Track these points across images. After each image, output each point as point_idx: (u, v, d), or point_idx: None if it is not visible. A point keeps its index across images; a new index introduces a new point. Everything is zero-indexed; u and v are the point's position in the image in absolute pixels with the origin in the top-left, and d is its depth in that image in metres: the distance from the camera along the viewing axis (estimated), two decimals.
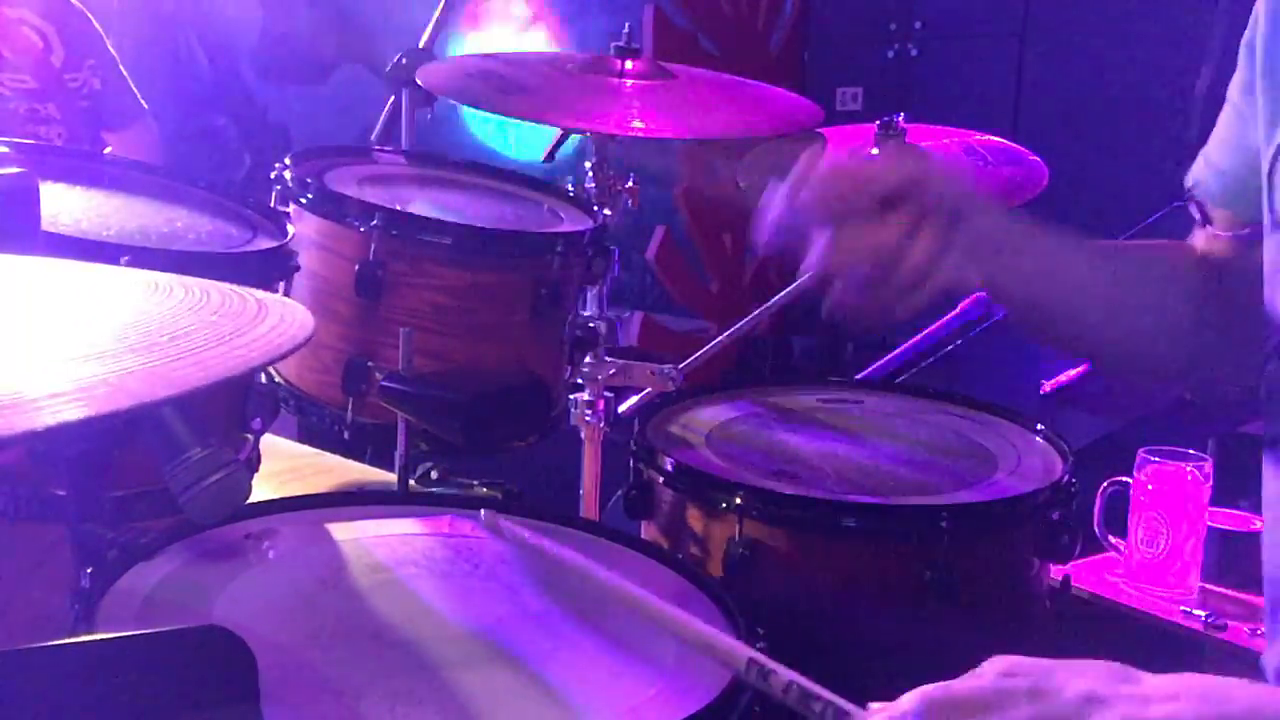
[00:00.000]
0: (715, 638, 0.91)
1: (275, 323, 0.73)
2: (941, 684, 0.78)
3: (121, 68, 3.01)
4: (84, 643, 0.72)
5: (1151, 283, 1.21)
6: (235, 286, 0.81)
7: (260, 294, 0.80)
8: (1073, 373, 2.60)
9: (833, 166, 1.08)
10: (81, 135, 2.86)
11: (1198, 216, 1.23)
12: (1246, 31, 1.14)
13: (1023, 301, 1.17)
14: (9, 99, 2.76)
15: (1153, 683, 0.78)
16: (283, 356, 0.71)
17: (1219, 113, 1.20)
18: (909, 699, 0.77)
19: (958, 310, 3.10)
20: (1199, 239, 1.25)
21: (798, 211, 1.07)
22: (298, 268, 1.52)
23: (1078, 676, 0.78)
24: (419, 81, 1.92)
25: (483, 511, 1.10)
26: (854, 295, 1.06)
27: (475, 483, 2.34)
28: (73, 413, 0.56)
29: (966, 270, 1.08)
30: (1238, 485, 2.14)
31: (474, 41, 4.31)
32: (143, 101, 3.04)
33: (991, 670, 0.79)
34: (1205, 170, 1.19)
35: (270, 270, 1.47)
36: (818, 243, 1.07)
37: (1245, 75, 1.14)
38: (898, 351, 3.06)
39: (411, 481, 1.82)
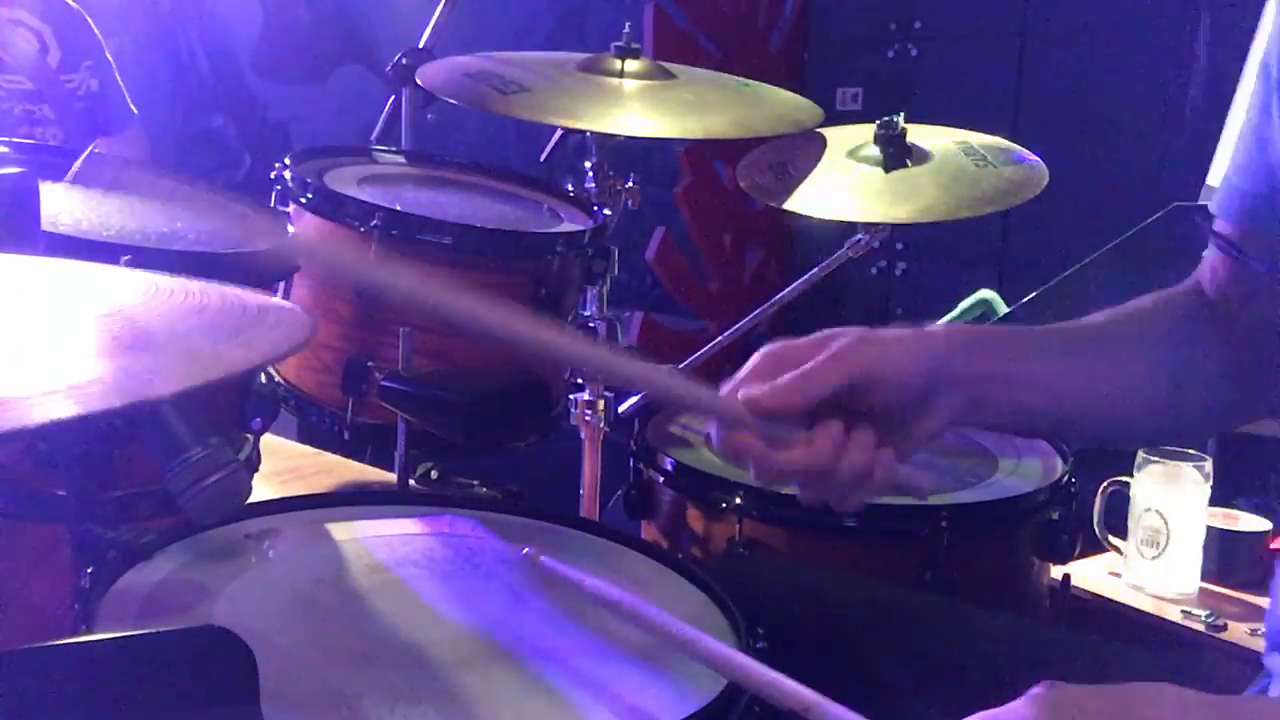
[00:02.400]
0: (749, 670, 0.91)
1: (274, 325, 0.73)
2: (992, 712, 0.75)
3: (117, 74, 3.00)
4: (84, 643, 0.72)
5: (1152, 354, 1.14)
6: (236, 289, 0.81)
7: (261, 296, 0.80)
8: None
9: (758, 383, 1.00)
10: (78, 137, 2.85)
11: (1216, 248, 1.16)
12: (1256, 51, 1.11)
13: (1043, 419, 1.12)
14: (3, 100, 2.76)
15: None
16: (281, 359, 0.71)
17: (1214, 114, 1.19)
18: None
19: (958, 310, 3.10)
20: (1207, 275, 1.19)
21: (730, 425, 1.01)
22: (298, 268, 1.52)
23: (1151, 709, 0.75)
24: (419, 81, 1.92)
25: (525, 550, 1.10)
26: (809, 492, 1.02)
27: (475, 483, 2.34)
28: (67, 410, 0.56)
29: (915, 478, 1.06)
30: (1238, 485, 2.14)
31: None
32: (133, 108, 3.04)
33: (1044, 695, 0.76)
34: (1233, 195, 1.14)
35: (270, 270, 1.47)
36: (734, 442, 1.00)
37: (1263, 97, 1.10)
38: None
39: (411, 481, 1.82)
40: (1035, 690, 0.76)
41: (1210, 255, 1.17)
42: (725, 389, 1.01)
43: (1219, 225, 1.15)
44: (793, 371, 0.99)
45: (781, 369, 1.00)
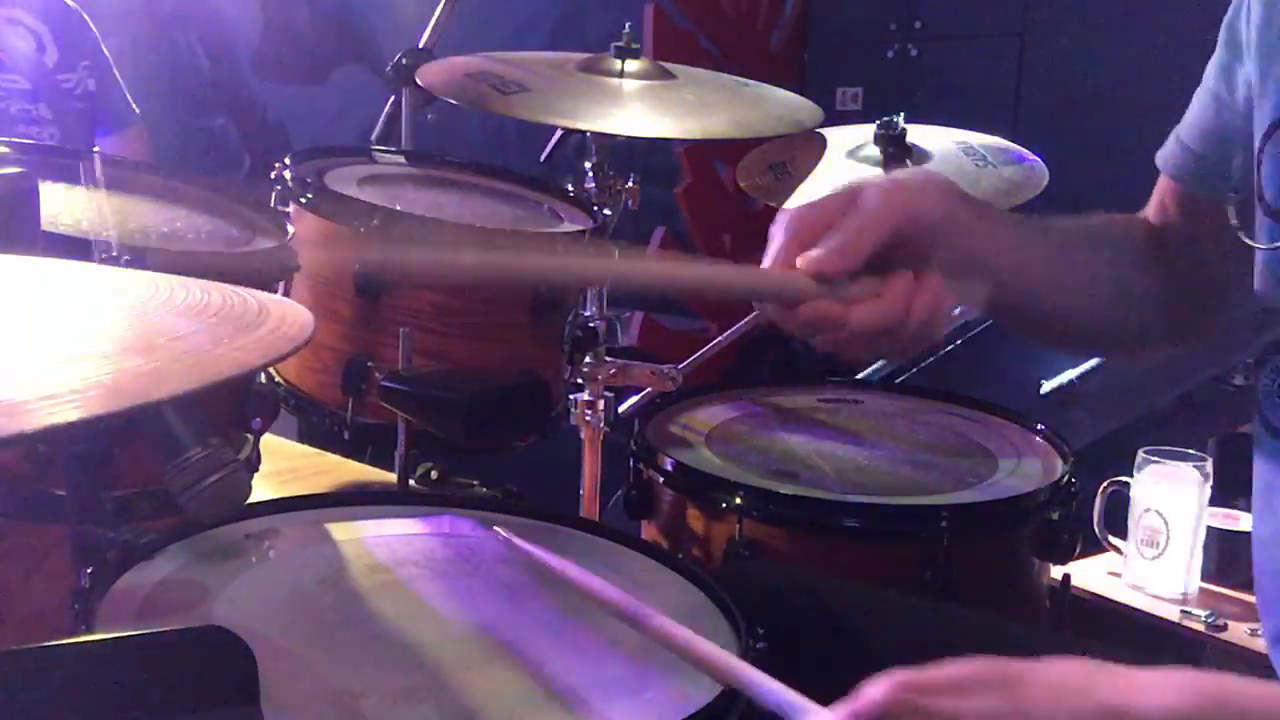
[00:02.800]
0: (711, 655, 0.91)
1: (274, 325, 0.73)
2: (912, 670, 0.78)
3: (116, 72, 3.00)
4: (84, 643, 0.72)
5: (1104, 254, 1.20)
6: (235, 287, 0.81)
7: (261, 295, 0.80)
8: (1073, 373, 2.60)
9: (802, 250, 0.99)
10: (76, 136, 2.85)
11: (1161, 194, 1.24)
12: (1229, 14, 1.13)
13: (1014, 296, 1.14)
14: (0, 99, 2.76)
15: (1136, 676, 0.78)
16: (281, 359, 0.71)
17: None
18: (880, 683, 0.77)
19: (957, 310, 3.10)
20: (1152, 210, 1.25)
21: (793, 300, 1.00)
22: (298, 268, 1.52)
23: (1052, 669, 0.78)
24: (419, 81, 1.92)
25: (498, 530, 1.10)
26: (859, 349, 1.03)
27: (475, 483, 2.34)
28: (67, 414, 0.56)
29: (968, 296, 1.07)
30: (1238, 485, 2.14)
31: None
32: (135, 106, 3.03)
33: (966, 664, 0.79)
34: (1179, 152, 1.19)
35: (270, 270, 1.47)
36: (816, 310, 0.99)
37: (1223, 58, 1.14)
38: None
39: (411, 481, 1.82)
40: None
41: (1160, 190, 1.24)
42: (769, 262, 1.01)
43: (1166, 173, 1.22)
44: (839, 232, 0.99)
45: (819, 231, 0.99)
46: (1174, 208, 1.22)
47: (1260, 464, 1.11)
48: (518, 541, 1.10)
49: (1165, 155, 1.22)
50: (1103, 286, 1.18)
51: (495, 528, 1.14)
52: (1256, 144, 1.05)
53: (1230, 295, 1.21)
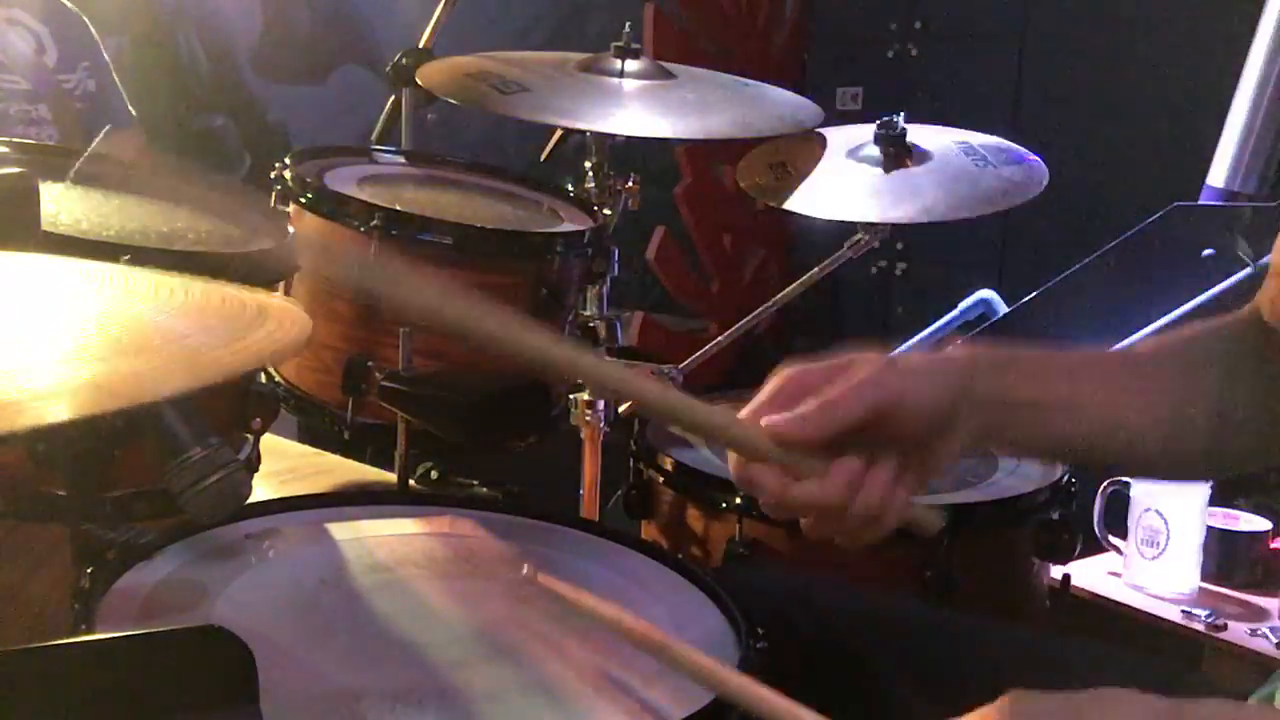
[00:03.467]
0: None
1: (272, 326, 0.73)
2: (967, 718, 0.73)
3: (114, 75, 3.00)
4: (84, 643, 0.72)
5: (1200, 378, 1.07)
6: (235, 288, 0.81)
7: (261, 296, 0.80)
8: None
9: (778, 410, 0.96)
10: (76, 137, 2.85)
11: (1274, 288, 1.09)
12: (1257, 49, 1.07)
13: (1070, 446, 1.05)
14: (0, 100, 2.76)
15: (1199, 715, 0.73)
16: (282, 359, 0.71)
17: (1215, 114, 1.17)
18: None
19: (958, 310, 3.11)
20: (1265, 304, 1.11)
21: (749, 453, 0.97)
22: (298, 267, 1.52)
23: (1108, 712, 0.73)
24: (419, 81, 1.92)
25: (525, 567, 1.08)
26: (804, 523, 0.99)
27: (475, 483, 2.34)
28: (67, 412, 0.56)
29: (927, 514, 1.03)
30: (1238, 485, 2.14)
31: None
32: (131, 109, 3.03)
33: (1016, 707, 0.74)
34: None
35: (270, 270, 1.46)
36: (752, 473, 0.97)
37: None
38: (897, 352, 3.06)
39: (411, 481, 1.82)
40: (1005, 699, 0.74)
41: (1273, 279, 1.10)
42: (744, 413, 0.97)
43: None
44: (814, 400, 0.95)
45: (801, 395, 0.96)
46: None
47: None
48: (552, 583, 1.07)
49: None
50: (1193, 417, 1.05)
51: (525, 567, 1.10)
52: None
53: None
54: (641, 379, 0.99)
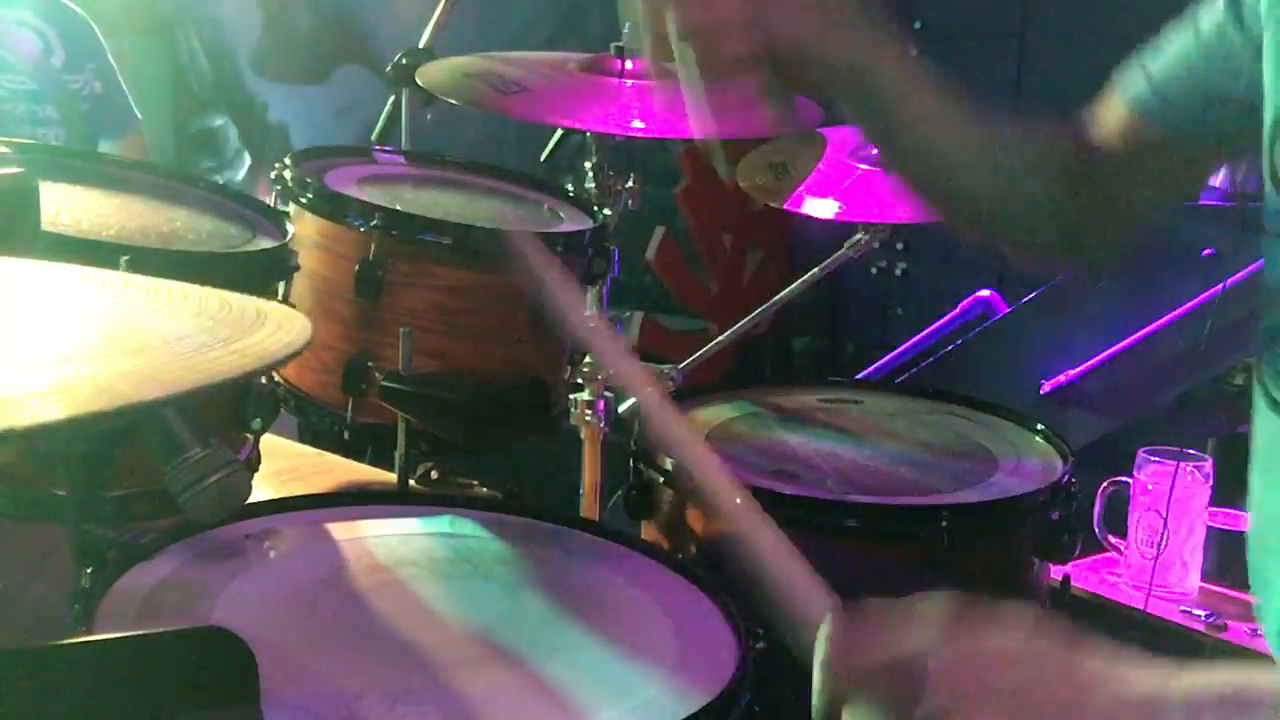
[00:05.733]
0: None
1: (274, 328, 0.73)
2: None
3: (119, 76, 3.00)
4: (84, 643, 0.72)
5: (1032, 149, 1.19)
6: (235, 292, 0.81)
7: (259, 300, 0.80)
8: (1073, 372, 2.60)
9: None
10: (82, 138, 2.86)
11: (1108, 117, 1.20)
12: None
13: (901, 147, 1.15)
14: (6, 100, 2.76)
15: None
16: (280, 363, 0.71)
17: None
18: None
19: (958, 310, 3.11)
20: (1094, 125, 1.22)
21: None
22: (297, 268, 1.52)
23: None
24: (419, 81, 1.92)
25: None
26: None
27: (475, 483, 2.34)
28: (66, 412, 0.56)
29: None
30: (1238, 485, 2.14)
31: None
32: (136, 111, 3.04)
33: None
34: (1146, 89, 1.16)
35: (270, 270, 1.47)
36: None
37: (1221, 17, 1.10)
38: (898, 351, 3.06)
39: (411, 481, 1.82)
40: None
41: (1109, 113, 1.20)
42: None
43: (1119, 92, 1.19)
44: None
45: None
46: (1119, 135, 1.18)
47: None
48: None
49: (1129, 86, 1.18)
50: (993, 160, 1.17)
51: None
52: (1268, 125, 1.03)
53: (1140, 238, 1.19)
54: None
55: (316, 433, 2.15)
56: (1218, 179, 2.26)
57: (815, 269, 2.04)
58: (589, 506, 1.86)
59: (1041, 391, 2.63)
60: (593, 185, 1.88)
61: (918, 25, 3.96)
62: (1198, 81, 1.12)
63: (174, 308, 0.76)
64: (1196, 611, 1.89)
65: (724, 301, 4.10)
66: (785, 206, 1.94)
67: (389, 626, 1.05)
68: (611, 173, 1.88)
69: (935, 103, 1.13)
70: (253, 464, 1.49)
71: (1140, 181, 1.16)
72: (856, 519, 1.46)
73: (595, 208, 1.85)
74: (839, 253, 2.00)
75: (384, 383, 1.56)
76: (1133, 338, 2.53)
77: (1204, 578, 1.97)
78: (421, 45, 2.14)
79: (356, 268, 1.59)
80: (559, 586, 1.13)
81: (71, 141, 2.79)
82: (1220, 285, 2.09)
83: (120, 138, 2.99)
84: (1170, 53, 1.16)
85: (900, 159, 1.20)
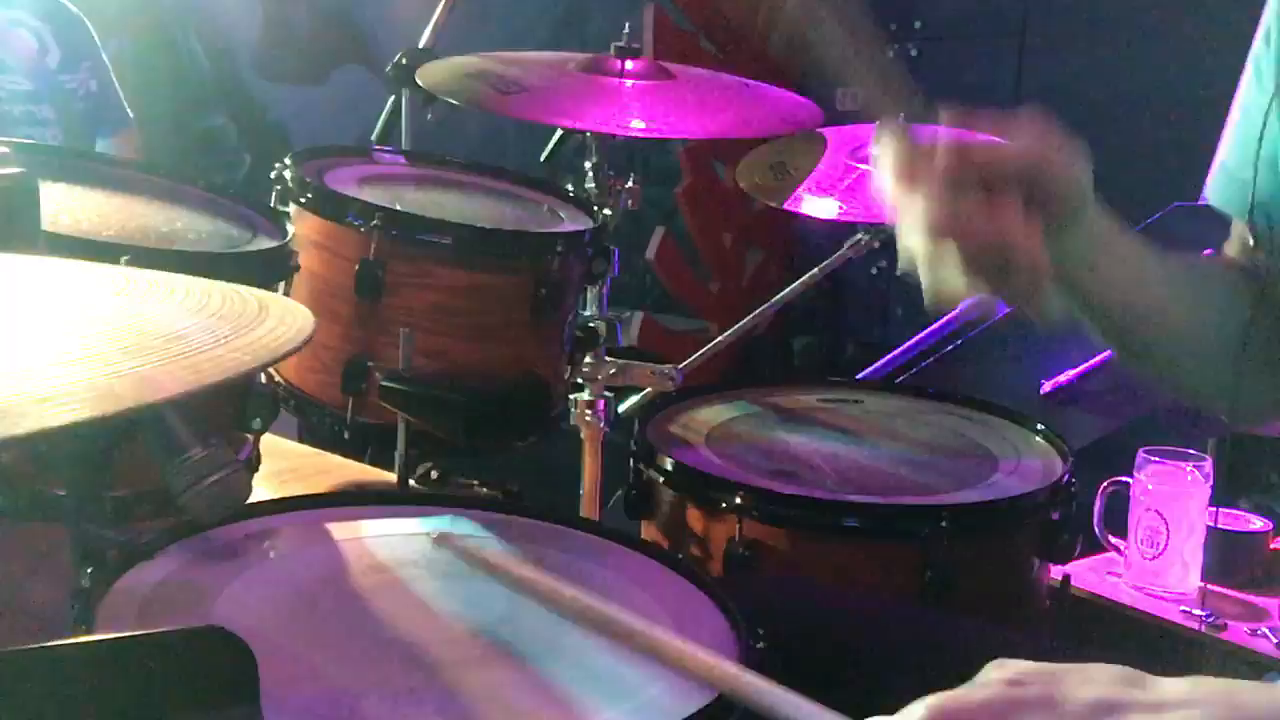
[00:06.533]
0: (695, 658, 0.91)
1: (273, 325, 0.73)
2: (948, 694, 0.75)
3: (113, 76, 3.00)
4: (84, 643, 0.72)
5: (1206, 291, 1.15)
6: (236, 287, 0.81)
7: (261, 294, 0.80)
8: (1073, 373, 2.60)
9: (955, 140, 1.00)
10: (79, 137, 2.86)
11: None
12: (1256, 45, 1.12)
13: (1103, 310, 1.12)
14: (3, 100, 2.76)
15: (1165, 687, 0.75)
16: (279, 359, 0.71)
17: (1215, 114, 1.19)
18: (916, 709, 0.75)
19: (958, 310, 3.10)
20: (1232, 250, 1.20)
21: (911, 179, 1.00)
22: (297, 268, 1.52)
23: (1087, 682, 0.75)
24: (419, 81, 1.92)
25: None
26: (969, 277, 0.99)
27: (475, 483, 2.34)
28: (67, 414, 0.56)
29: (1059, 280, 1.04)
30: (1238, 485, 2.14)
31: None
32: (128, 109, 3.04)
33: (998, 677, 0.76)
34: (1226, 183, 1.15)
35: (270, 270, 1.47)
36: (928, 209, 0.99)
37: (1254, 94, 1.12)
38: (898, 351, 3.06)
39: (411, 481, 1.82)
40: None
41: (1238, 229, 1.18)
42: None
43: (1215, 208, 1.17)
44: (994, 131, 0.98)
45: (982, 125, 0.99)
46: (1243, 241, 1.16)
47: None
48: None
49: (1211, 186, 1.17)
50: (1210, 335, 1.13)
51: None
52: None
53: None
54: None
55: (316, 433, 2.15)
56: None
57: (815, 269, 2.04)
58: (589, 506, 1.86)
59: (1041, 391, 2.63)
60: (593, 185, 1.88)
61: (918, 25, 3.96)
62: (1253, 152, 1.11)
63: (174, 304, 0.76)
64: (1196, 611, 1.89)
65: (724, 301, 4.10)
66: (785, 206, 1.94)
67: (389, 626, 1.05)
68: (611, 173, 1.89)
69: (1139, 272, 1.11)
70: (253, 464, 1.49)
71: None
72: (856, 519, 1.46)
73: (595, 208, 1.86)
74: (839, 253, 2.00)
75: (384, 383, 1.56)
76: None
77: (1204, 578, 1.97)
78: (421, 45, 2.15)
79: (356, 268, 1.60)
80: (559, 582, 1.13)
81: (69, 141, 2.80)
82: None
83: (113, 136, 3.00)
84: (1233, 138, 1.15)
85: (1121, 337, 1.17)
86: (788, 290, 2.10)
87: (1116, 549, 2.01)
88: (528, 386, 1.63)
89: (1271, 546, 2.02)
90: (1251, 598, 1.94)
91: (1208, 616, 1.88)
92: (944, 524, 1.42)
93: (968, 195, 0.97)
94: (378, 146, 2.05)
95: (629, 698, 0.96)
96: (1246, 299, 1.15)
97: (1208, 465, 1.94)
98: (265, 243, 1.51)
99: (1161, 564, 1.95)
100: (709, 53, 4.06)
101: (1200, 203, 1.22)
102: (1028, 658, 0.79)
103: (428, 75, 1.91)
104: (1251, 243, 1.16)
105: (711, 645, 1.05)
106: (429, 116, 2.11)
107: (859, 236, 2.00)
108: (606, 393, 1.87)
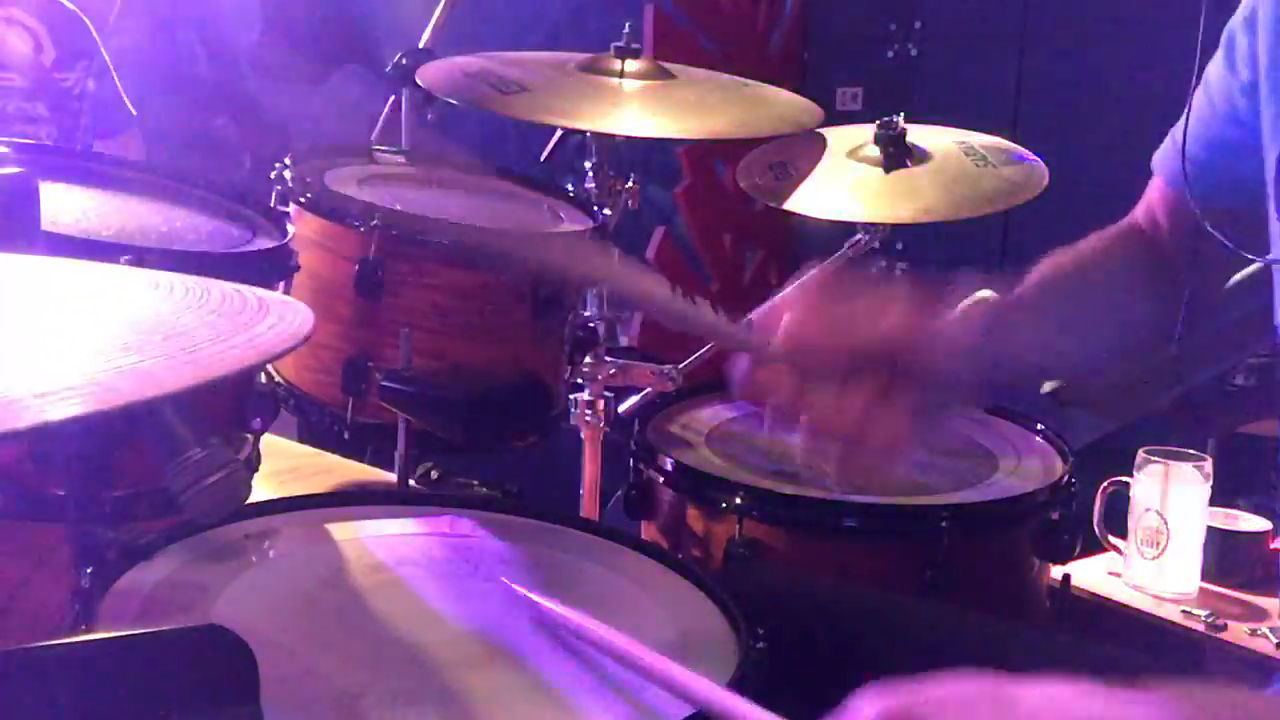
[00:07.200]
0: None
1: (273, 322, 0.73)
2: (901, 684, 0.76)
3: (114, 75, 3.00)
4: (84, 643, 0.72)
5: (1099, 293, 1.23)
6: (236, 285, 0.81)
7: (261, 292, 0.80)
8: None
9: (801, 324, 1.00)
10: (74, 136, 2.85)
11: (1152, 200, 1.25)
12: (1235, 21, 1.12)
13: (1033, 371, 1.23)
14: None
15: (1123, 696, 0.74)
16: (279, 356, 0.71)
17: None
18: (863, 700, 0.75)
19: (957, 310, 3.10)
20: (1141, 215, 1.28)
21: (766, 367, 1.00)
22: (298, 268, 1.52)
23: (1044, 691, 0.74)
24: (419, 81, 1.92)
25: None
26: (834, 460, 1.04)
27: (475, 483, 2.34)
28: (66, 411, 0.56)
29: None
30: (1238, 485, 2.13)
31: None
32: (131, 109, 3.04)
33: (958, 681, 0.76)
34: (1176, 157, 1.18)
35: (270, 270, 1.47)
36: (783, 402, 1.00)
37: (1229, 80, 1.15)
38: None
39: (411, 481, 1.82)
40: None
41: (1152, 196, 1.25)
42: (761, 311, 1.02)
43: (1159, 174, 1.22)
44: (842, 311, 0.98)
45: (830, 305, 0.99)
46: (1166, 214, 1.22)
47: None
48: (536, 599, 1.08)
49: (1163, 161, 1.21)
50: (1102, 325, 1.21)
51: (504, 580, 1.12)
52: (1271, 169, 1.04)
53: (1210, 303, 1.23)
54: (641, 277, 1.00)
55: (316, 433, 2.15)
56: None
57: (815, 269, 2.03)
58: (589, 506, 1.86)
59: (1041, 391, 2.63)
60: (593, 185, 1.88)
61: (918, 25, 3.96)
62: (1226, 142, 1.15)
63: (174, 302, 0.76)
64: (1196, 611, 1.89)
65: (724, 301, 4.09)
66: (785, 206, 1.94)
67: (389, 626, 1.05)
68: (611, 173, 1.89)
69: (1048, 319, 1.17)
70: (253, 464, 1.49)
71: (1199, 252, 1.18)
72: (856, 519, 1.46)
73: (595, 208, 1.85)
74: (839, 253, 2.00)
75: (384, 383, 1.56)
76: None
77: (1204, 578, 1.97)
78: (421, 45, 2.14)
79: (356, 268, 1.60)
80: (559, 586, 1.13)
81: (64, 139, 2.79)
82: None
83: (115, 136, 2.99)
84: (1197, 120, 1.18)
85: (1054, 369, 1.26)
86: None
87: (1116, 549, 2.01)
88: (528, 386, 1.63)
89: (1271, 546, 2.02)
90: (1251, 598, 1.94)
91: (1208, 616, 1.88)
92: (944, 524, 1.42)
93: (817, 388, 0.98)
94: (378, 146, 2.04)
95: (628, 698, 0.96)
96: (1142, 269, 1.23)
97: (1208, 465, 1.94)
98: (265, 243, 1.51)
99: (1161, 564, 1.95)
100: (709, 53, 4.06)
101: None
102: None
103: (428, 75, 1.91)
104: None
105: (711, 646, 1.05)
106: (429, 116, 2.11)
107: (859, 236, 2.00)
108: (606, 393, 1.87)
